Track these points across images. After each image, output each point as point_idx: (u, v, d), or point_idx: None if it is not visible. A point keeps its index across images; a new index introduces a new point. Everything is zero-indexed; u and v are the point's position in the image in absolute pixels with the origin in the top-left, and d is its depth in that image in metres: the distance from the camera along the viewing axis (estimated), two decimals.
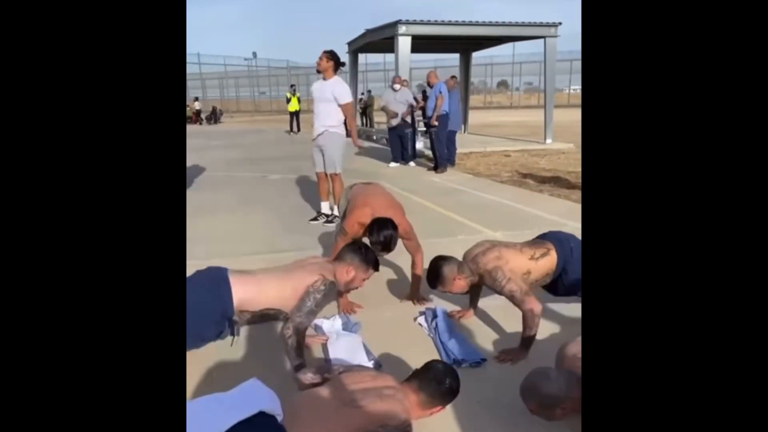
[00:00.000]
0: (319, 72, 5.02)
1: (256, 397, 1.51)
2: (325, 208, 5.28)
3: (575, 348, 1.98)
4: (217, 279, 2.17)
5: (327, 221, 5.16)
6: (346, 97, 5.00)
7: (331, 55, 4.96)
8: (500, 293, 2.53)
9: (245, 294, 2.17)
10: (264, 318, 2.29)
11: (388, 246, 2.89)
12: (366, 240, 3.01)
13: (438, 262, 2.64)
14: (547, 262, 2.60)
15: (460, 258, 2.70)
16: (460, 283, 2.62)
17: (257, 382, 1.59)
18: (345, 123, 5.06)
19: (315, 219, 5.27)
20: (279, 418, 1.52)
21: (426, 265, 2.84)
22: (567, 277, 2.62)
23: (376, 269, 2.56)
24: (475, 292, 2.93)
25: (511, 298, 2.48)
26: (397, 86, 9.35)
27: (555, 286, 2.71)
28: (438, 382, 1.85)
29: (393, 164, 9.49)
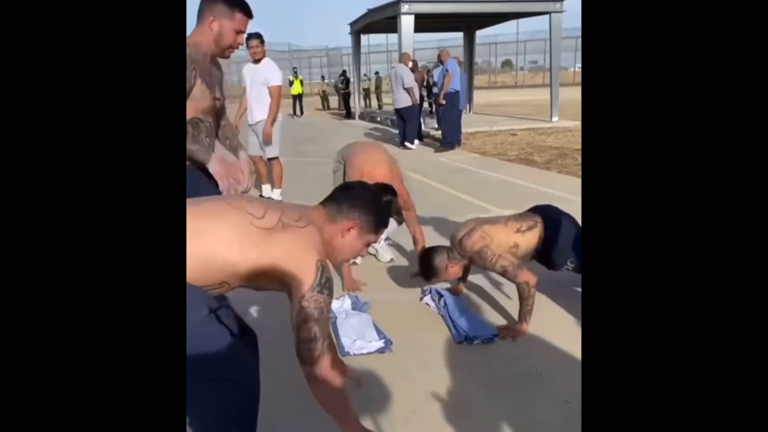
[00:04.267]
0: (257, 60, 4.78)
1: None
2: (266, 191, 5.25)
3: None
4: None
5: None
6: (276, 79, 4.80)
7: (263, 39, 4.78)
8: (493, 271, 2.56)
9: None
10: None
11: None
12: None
13: (427, 254, 2.65)
14: (534, 235, 2.61)
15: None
16: (454, 270, 2.65)
17: None
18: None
19: None
20: None
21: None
22: (555, 249, 2.62)
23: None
24: (465, 269, 2.93)
25: (504, 273, 2.51)
26: (410, 64, 9.23)
27: (548, 258, 2.69)
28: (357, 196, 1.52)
29: (413, 145, 9.04)
